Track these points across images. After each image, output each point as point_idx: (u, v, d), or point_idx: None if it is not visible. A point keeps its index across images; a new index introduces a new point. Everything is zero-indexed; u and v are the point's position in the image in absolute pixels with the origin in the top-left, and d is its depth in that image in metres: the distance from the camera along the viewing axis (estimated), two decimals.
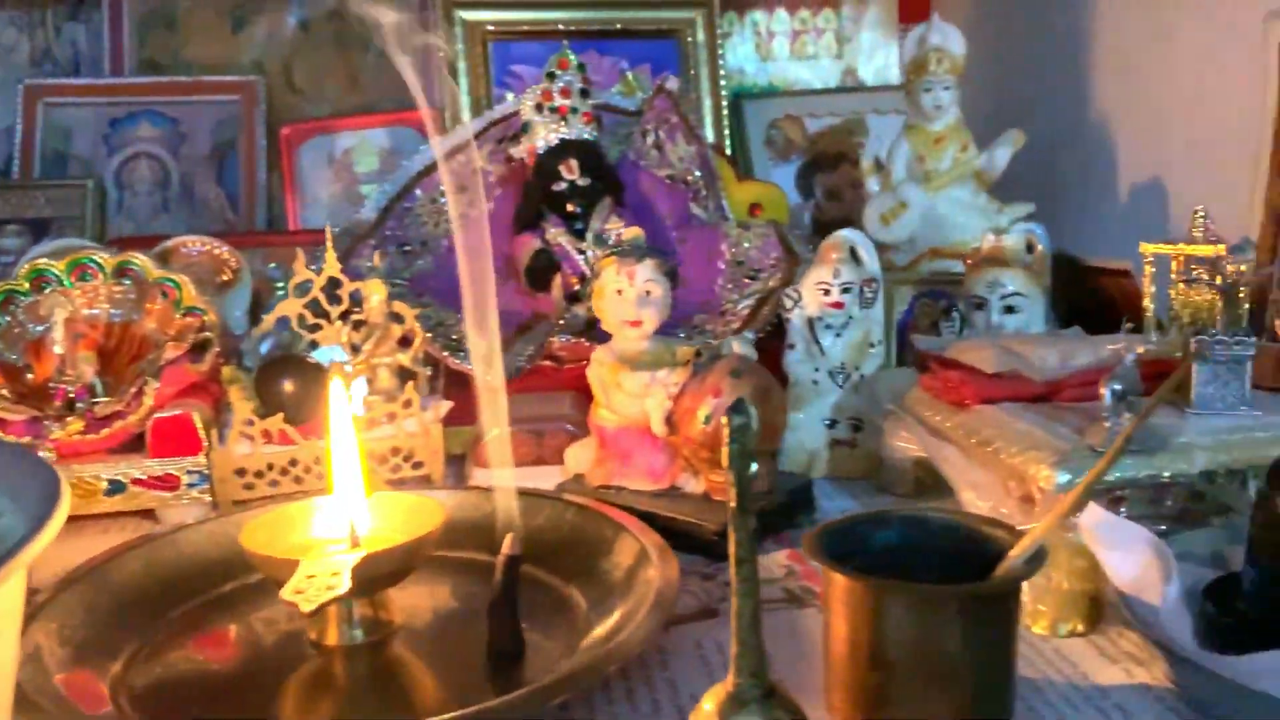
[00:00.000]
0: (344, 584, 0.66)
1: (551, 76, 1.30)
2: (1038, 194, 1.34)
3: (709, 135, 1.66)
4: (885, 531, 0.67)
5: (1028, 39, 1.57)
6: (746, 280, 1.34)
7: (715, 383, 0.89)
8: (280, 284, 1.43)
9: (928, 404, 0.90)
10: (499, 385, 1.01)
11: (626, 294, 0.94)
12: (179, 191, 1.55)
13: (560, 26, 1.62)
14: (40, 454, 0.94)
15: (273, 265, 1.45)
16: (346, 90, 1.62)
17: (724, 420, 0.53)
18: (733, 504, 0.53)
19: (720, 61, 1.67)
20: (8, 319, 1.08)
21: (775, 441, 0.92)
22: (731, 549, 0.54)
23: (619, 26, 1.63)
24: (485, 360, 1.08)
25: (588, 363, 1.18)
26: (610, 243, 0.96)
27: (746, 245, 1.36)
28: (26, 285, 1.09)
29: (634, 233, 0.96)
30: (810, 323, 1.06)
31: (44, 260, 1.09)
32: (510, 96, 1.60)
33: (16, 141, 1.53)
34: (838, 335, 1.06)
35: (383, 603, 0.76)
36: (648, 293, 0.94)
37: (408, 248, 1.38)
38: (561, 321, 1.27)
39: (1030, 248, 1.14)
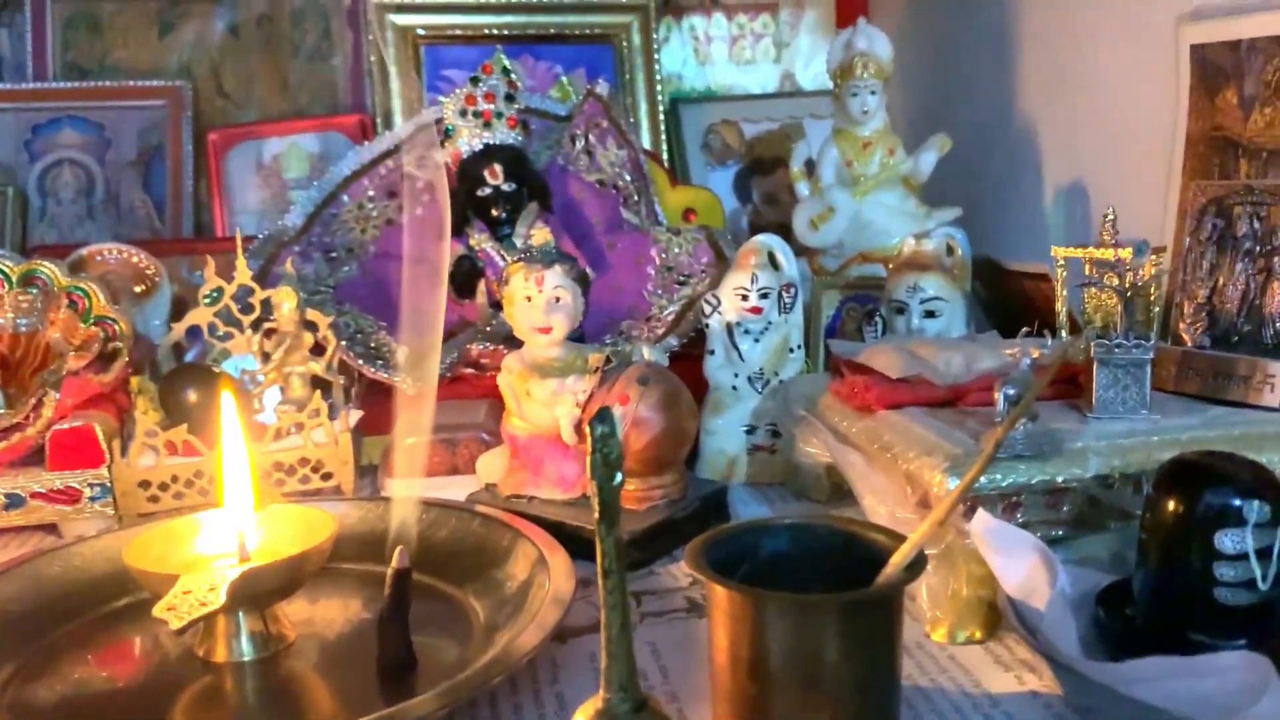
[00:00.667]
0: (219, 600, 0.64)
1: (475, 81, 1.28)
2: (963, 198, 1.34)
3: (645, 140, 1.65)
4: (772, 540, 0.66)
5: (955, 42, 1.58)
6: (676, 285, 1.33)
7: (623, 390, 0.88)
8: (207, 292, 1.41)
9: (836, 410, 0.89)
10: (429, 393, 1.00)
11: (535, 300, 0.92)
12: (104, 199, 1.52)
13: (494, 31, 1.61)
14: None
15: (198, 273, 1.42)
16: (275, 95, 1.60)
17: (587, 430, 0.52)
18: (596, 515, 0.52)
19: (656, 66, 1.66)
20: None
21: (684, 448, 0.91)
22: (599, 561, 0.53)
23: (553, 31, 1.62)
24: (412, 368, 1.07)
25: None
26: (516, 251, 0.94)
27: (677, 250, 1.35)
28: None
29: (543, 237, 0.95)
30: (729, 328, 1.05)
31: None
32: (442, 100, 1.59)
33: None
34: (756, 340, 1.06)
35: (274, 617, 0.74)
36: (557, 299, 0.93)
37: (334, 254, 1.36)
38: (487, 328, 1.26)
39: (950, 251, 1.14)
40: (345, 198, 1.39)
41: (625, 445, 0.87)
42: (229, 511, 0.75)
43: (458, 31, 1.60)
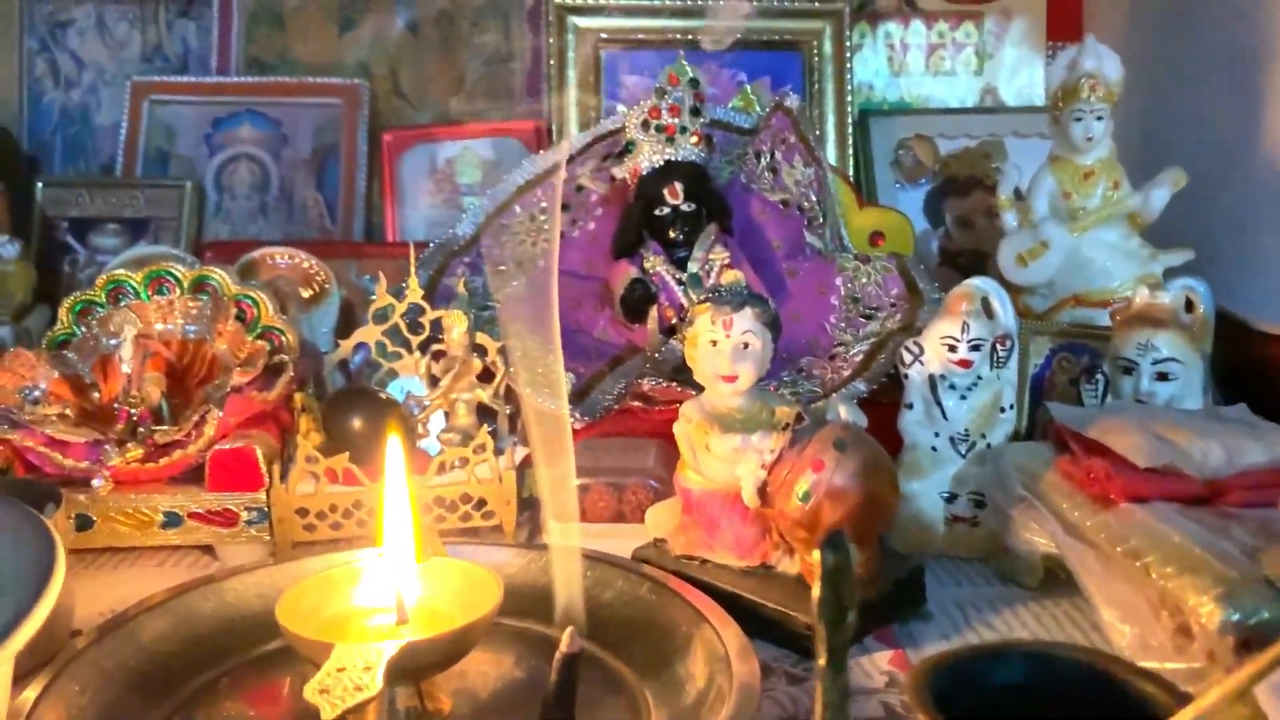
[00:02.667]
0: (375, 685, 0.58)
1: (661, 92, 1.21)
2: (1196, 239, 1.19)
3: (831, 155, 1.54)
4: (1005, 669, 0.56)
5: (1187, 61, 1.41)
6: (862, 319, 1.23)
7: (816, 454, 0.78)
8: (375, 298, 1.37)
9: (1065, 493, 0.78)
10: (563, 424, 0.92)
11: (721, 346, 0.84)
12: (277, 196, 1.51)
13: (676, 36, 1.53)
14: (95, 481, 0.90)
15: (367, 277, 1.40)
16: (451, 97, 1.55)
17: (814, 558, 0.43)
18: (820, 661, 0.43)
19: (848, 75, 1.55)
20: (83, 330, 1.04)
21: (885, 525, 0.81)
22: (817, 710, 0.44)
23: (739, 37, 1.53)
24: (550, 395, 1.01)
25: (678, 407, 1.10)
26: (707, 286, 0.86)
27: (864, 280, 1.25)
28: (103, 296, 1.05)
29: (733, 276, 0.86)
30: (932, 381, 0.95)
31: (122, 271, 1.05)
32: (620, 108, 1.52)
33: (121, 139, 1.51)
34: (963, 397, 0.94)
35: (430, 688, 0.68)
36: (745, 345, 0.84)
37: (502, 267, 1.30)
38: (656, 356, 1.18)
39: (1190, 307, 1.00)
40: (518, 208, 1.33)
41: (816, 518, 0.78)
42: (388, 562, 0.70)
43: (640, 36, 1.53)
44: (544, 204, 1.34)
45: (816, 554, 0.43)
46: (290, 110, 1.52)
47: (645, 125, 1.20)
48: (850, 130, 1.56)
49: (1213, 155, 1.32)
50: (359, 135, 1.51)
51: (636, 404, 1.11)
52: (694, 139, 1.20)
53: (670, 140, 1.20)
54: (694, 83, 1.22)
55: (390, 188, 1.51)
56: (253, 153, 1.51)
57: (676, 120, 1.20)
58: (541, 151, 1.38)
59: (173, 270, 1.05)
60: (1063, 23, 1.65)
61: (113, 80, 1.56)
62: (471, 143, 1.52)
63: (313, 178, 1.51)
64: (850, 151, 1.56)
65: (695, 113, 1.21)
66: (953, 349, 0.94)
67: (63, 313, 1.05)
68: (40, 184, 1.47)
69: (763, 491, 0.82)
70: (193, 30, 1.58)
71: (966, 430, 0.95)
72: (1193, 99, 1.39)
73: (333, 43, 1.56)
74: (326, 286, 1.24)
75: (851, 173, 1.55)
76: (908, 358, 0.96)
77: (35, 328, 1.25)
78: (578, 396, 1.10)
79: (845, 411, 0.83)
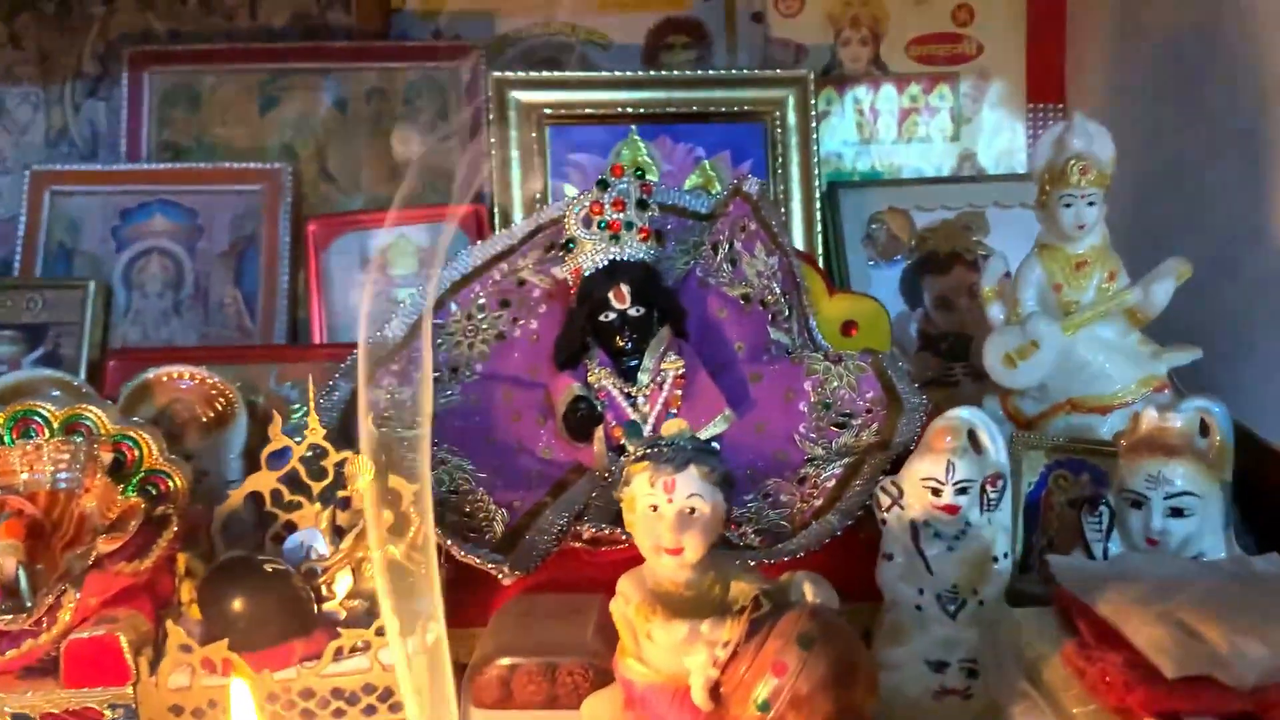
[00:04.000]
0: None
1: (603, 185, 1.08)
2: (1199, 335, 1.07)
3: (798, 233, 1.42)
4: None
5: (1185, 139, 1.29)
6: (834, 429, 1.10)
7: (777, 653, 0.65)
8: (296, 407, 1.24)
9: (1077, 697, 0.64)
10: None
11: (663, 511, 0.71)
12: (192, 293, 1.37)
13: (628, 110, 1.40)
14: None
15: (289, 384, 1.26)
16: (384, 181, 1.43)
17: None
18: None
19: (814, 147, 1.43)
20: None
21: None
22: None
23: (695, 110, 1.41)
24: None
25: (629, 547, 0.96)
26: (641, 442, 0.73)
27: (836, 383, 1.12)
28: None
29: (676, 426, 0.74)
30: (914, 529, 0.82)
31: None
32: (569, 189, 1.40)
33: (20, 234, 1.37)
34: (949, 548, 0.82)
35: None
36: (691, 510, 0.71)
37: (435, 374, 1.17)
38: (606, 477, 1.05)
39: (1205, 430, 0.87)
40: (454, 305, 1.20)
41: None
42: None
43: (589, 110, 1.41)
44: (482, 300, 1.21)
45: None
46: (207, 199, 1.39)
47: (587, 222, 1.08)
48: (818, 205, 1.43)
49: (1216, 240, 1.20)
50: (281, 224, 1.38)
51: (580, 545, 0.97)
52: (641, 235, 1.08)
53: (615, 238, 1.07)
54: (639, 172, 1.10)
55: (317, 281, 1.38)
56: (165, 246, 1.38)
57: (621, 215, 1.07)
58: (480, 241, 1.25)
59: (40, 410, 0.91)
60: (1044, 84, 1.54)
61: (13, 169, 1.43)
62: (406, 229, 1.39)
63: (231, 272, 1.37)
64: (819, 228, 1.43)
65: (642, 205, 1.08)
66: (936, 492, 0.81)
67: None
68: None
69: (715, 692, 0.68)
70: (102, 112, 1.45)
71: (955, 586, 0.82)
72: (1194, 180, 1.27)
73: (254, 123, 1.43)
74: (234, 407, 1.10)
75: (820, 252, 1.43)
76: (885, 500, 0.83)
77: None
78: (510, 537, 0.97)
79: (812, 591, 0.69)
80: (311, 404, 0.93)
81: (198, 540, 0.91)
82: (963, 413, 0.83)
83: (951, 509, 0.81)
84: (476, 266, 1.23)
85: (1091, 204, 1.06)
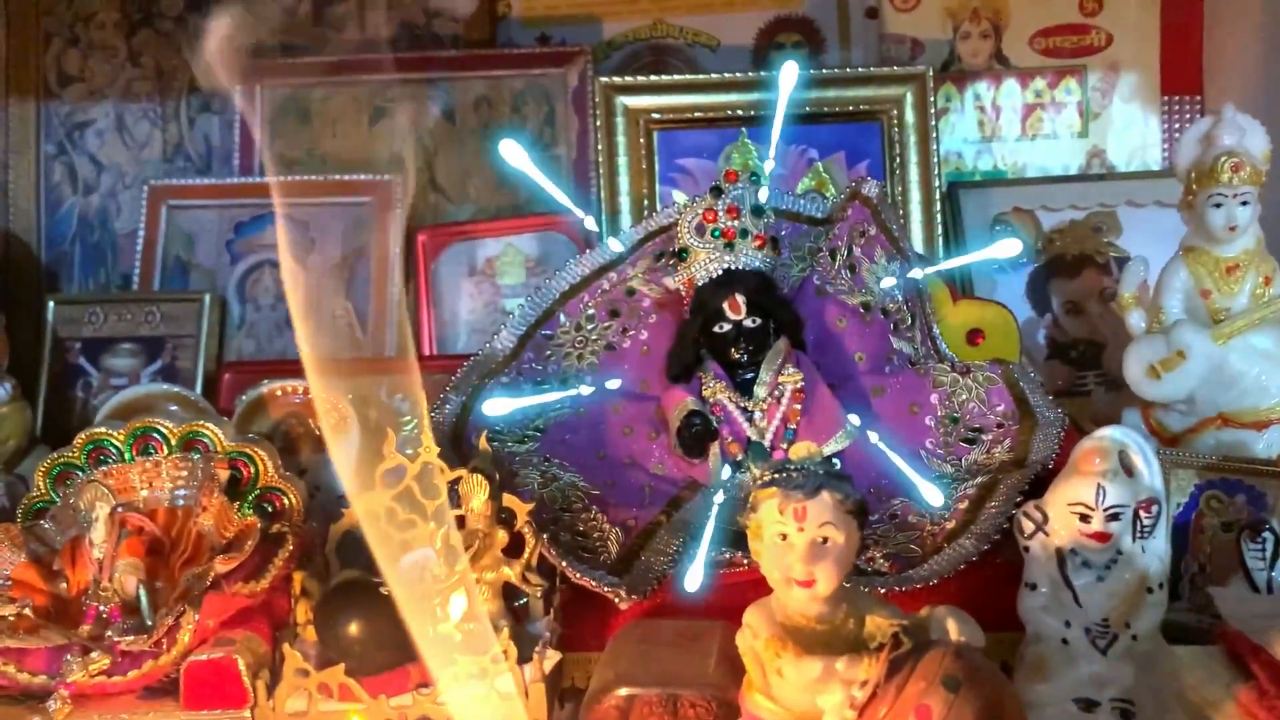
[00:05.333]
0: None
1: (716, 191, 1.04)
2: None
3: (917, 235, 1.36)
4: None
5: None
6: (964, 445, 1.05)
7: (921, 696, 0.61)
8: (407, 419, 1.23)
9: None
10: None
11: (793, 541, 0.67)
12: (305, 306, 1.38)
13: (738, 112, 1.36)
14: (50, 704, 0.76)
15: (399, 396, 1.25)
16: (491, 190, 1.41)
17: None
18: None
19: (934, 145, 1.37)
20: (61, 498, 0.91)
21: None
22: None
23: (808, 110, 1.36)
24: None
25: (746, 570, 0.92)
26: (769, 466, 0.69)
27: (964, 396, 1.07)
28: (83, 458, 0.92)
29: (805, 449, 0.69)
30: (1060, 557, 0.76)
31: (102, 430, 0.92)
32: (677, 195, 1.36)
33: (138, 249, 1.40)
34: (1099, 578, 0.76)
35: None
36: (824, 540, 0.67)
37: (545, 385, 1.14)
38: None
39: None
40: (562, 316, 1.18)
41: None
42: None
43: (697, 114, 1.37)
44: (591, 310, 1.18)
45: None
46: (318, 211, 1.39)
47: (700, 230, 1.04)
48: (938, 207, 1.37)
49: None
50: (391, 235, 1.37)
51: None
52: (757, 243, 1.04)
53: (729, 246, 1.03)
54: (755, 177, 1.06)
55: (426, 292, 1.37)
56: (278, 259, 1.38)
57: (736, 223, 1.03)
58: (588, 250, 1.23)
59: (159, 427, 0.92)
60: (1180, 75, 1.45)
61: (133, 184, 1.46)
62: (515, 239, 1.38)
63: (342, 284, 1.37)
64: (939, 231, 1.37)
65: (758, 212, 1.04)
66: (1085, 519, 0.75)
67: (39, 477, 0.93)
68: (51, 303, 1.36)
69: None
70: (216, 126, 1.47)
71: (1106, 619, 0.76)
72: None
73: (363, 136, 1.43)
74: (345, 420, 1.09)
75: (941, 255, 1.36)
76: (1028, 526, 0.78)
77: (30, 473, 1.12)
78: (626, 558, 0.94)
79: (956, 629, 0.65)
80: (424, 422, 0.91)
81: (313, 558, 0.90)
82: (1113, 432, 0.77)
83: (1102, 536, 0.75)
84: (585, 276, 1.20)
85: (1245, 203, 0.99)
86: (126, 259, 1.45)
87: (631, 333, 1.17)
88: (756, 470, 0.70)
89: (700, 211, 1.04)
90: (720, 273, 1.03)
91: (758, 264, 1.04)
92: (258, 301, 1.39)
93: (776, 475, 0.68)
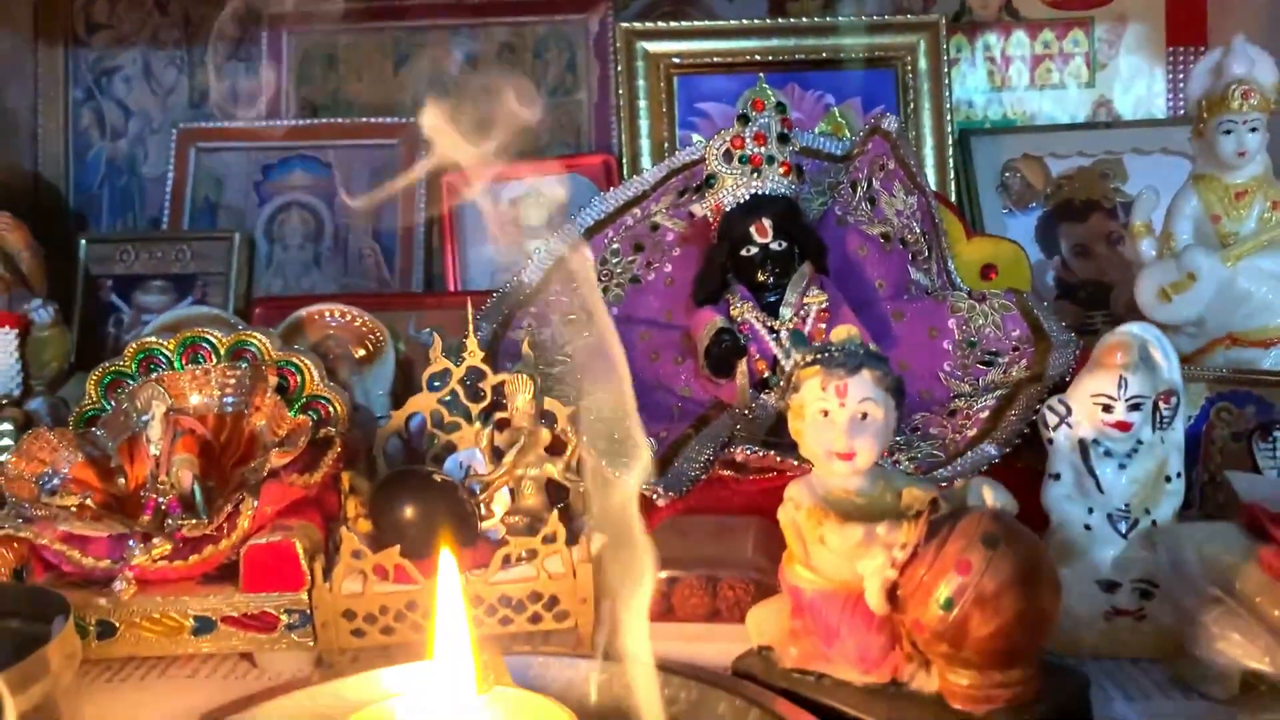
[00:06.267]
0: None
1: (744, 119, 1.08)
2: None
3: (931, 180, 1.39)
4: None
5: None
6: (980, 366, 1.08)
7: (960, 552, 0.64)
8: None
9: (1276, 598, 0.62)
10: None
11: (835, 416, 0.70)
12: (331, 245, 1.41)
13: (755, 58, 1.40)
14: (116, 584, 0.79)
15: (427, 331, 1.28)
16: (514, 134, 1.44)
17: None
18: None
19: (946, 92, 1.41)
20: (112, 405, 0.94)
21: (1043, 637, 0.66)
22: None
23: (824, 56, 1.39)
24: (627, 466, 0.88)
25: (776, 476, 0.96)
26: (810, 349, 0.72)
27: (980, 321, 1.11)
28: (134, 367, 0.95)
29: (846, 332, 0.73)
30: (1083, 447, 0.80)
31: (153, 339, 0.95)
32: (696, 139, 1.40)
33: (168, 190, 1.42)
34: (1121, 466, 0.79)
35: None
36: (864, 415, 0.70)
37: (572, 316, 1.18)
38: (747, 414, 1.05)
39: None
40: (587, 251, 1.21)
41: (963, 629, 0.64)
42: (445, 699, 0.57)
43: (716, 59, 1.40)
44: (616, 245, 1.22)
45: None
46: (344, 154, 1.42)
47: (728, 156, 1.07)
48: (950, 152, 1.41)
49: None
50: (416, 178, 1.40)
51: (727, 473, 0.97)
52: (782, 170, 1.07)
53: (756, 172, 1.06)
54: (781, 107, 1.09)
55: (451, 232, 1.40)
56: (305, 200, 1.42)
57: (762, 150, 1.07)
58: (611, 188, 1.26)
59: (208, 336, 0.94)
60: (1185, 26, 1.49)
61: (160, 129, 1.49)
62: (538, 181, 1.41)
63: (369, 225, 1.40)
64: (951, 175, 1.41)
65: (783, 140, 1.08)
66: (1108, 409, 0.78)
67: (90, 385, 0.95)
68: (83, 241, 1.39)
69: (892, 595, 0.67)
70: (242, 73, 1.49)
71: (1127, 505, 0.79)
72: None
73: (388, 81, 1.46)
74: (381, 345, 1.13)
75: (954, 199, 1.40)
76: (1052, 419, 0.81)
77: (72, 397, 1.16)
78: (659, 466, 0.97)
79: (991, 495, 0.68)
80: (470, 326, 0.94)
81: (356, 465, 0.93)
82: (1134, 328, 0.81)
83: (1124, 425, 0.78)
84: (609, 213, 1.24)
85: (1254, 130, 1.03)
86: (153, 202, 1.48)
87: (656, 265, 1.21)
88: (798, 354, 0.73)
89: (728, 139, 1.07)
90: (747, 197, 1.06)
91: (783, 190, 1.07)
92: (285, 241, 1.41)
93: (819, 355, 0.71)
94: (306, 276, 1.40)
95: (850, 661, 0.70)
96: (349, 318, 1.13)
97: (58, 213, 1.47)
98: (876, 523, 0.69)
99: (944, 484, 0.90)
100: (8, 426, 1.00)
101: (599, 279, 1.20)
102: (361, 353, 1.13)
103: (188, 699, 0.77)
